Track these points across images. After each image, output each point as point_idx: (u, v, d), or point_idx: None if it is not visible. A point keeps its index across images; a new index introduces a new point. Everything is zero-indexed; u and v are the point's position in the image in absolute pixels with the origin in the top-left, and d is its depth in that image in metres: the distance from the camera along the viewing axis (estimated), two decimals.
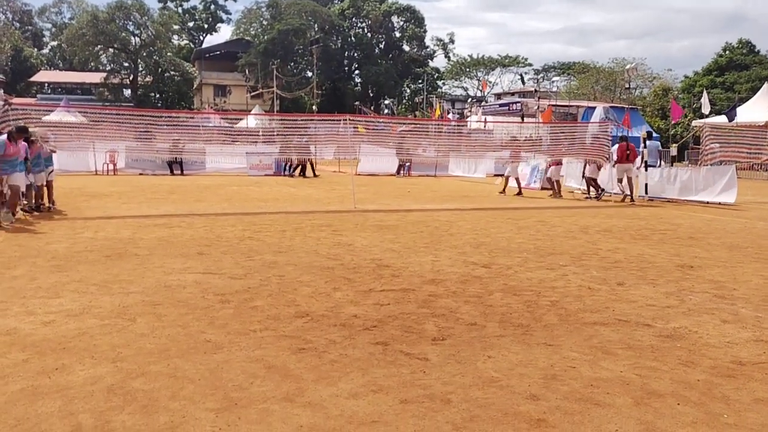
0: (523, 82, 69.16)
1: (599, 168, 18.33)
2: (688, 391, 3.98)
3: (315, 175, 26.49)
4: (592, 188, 18.46)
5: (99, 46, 73.20)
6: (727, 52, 59.43)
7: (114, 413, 3.52)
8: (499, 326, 5.31)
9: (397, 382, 4.03)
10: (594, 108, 38.38)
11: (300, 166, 26.81)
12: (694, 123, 36.01)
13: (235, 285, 6.63)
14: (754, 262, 8.47)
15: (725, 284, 7.07)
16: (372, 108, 71.07)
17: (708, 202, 16.44)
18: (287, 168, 27.42)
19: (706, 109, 28.57)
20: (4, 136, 10.96)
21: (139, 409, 3.58)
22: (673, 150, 29.95)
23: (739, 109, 30.54)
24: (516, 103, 48.44)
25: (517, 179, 19.23)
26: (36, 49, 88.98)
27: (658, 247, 9.59)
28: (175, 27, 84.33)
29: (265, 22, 74.62)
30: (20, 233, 10.03)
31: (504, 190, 19.20)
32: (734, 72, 56.31)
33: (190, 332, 4.99)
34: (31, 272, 7.08)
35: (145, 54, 73.28)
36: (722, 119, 29.45)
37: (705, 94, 30.68)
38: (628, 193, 17.51)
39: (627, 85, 52.12)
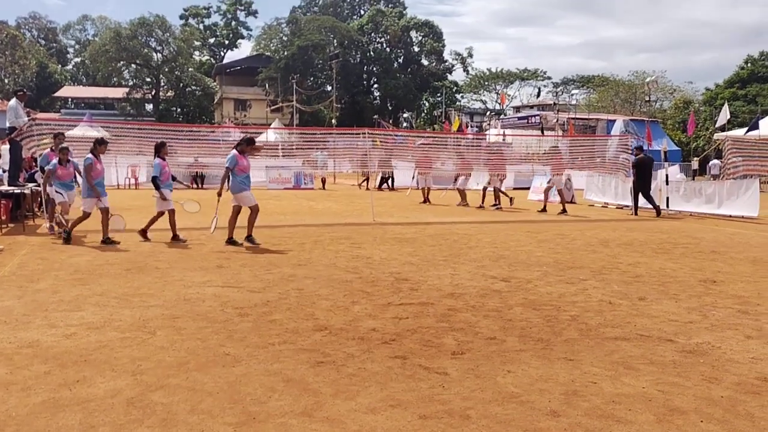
0: (538, 95, 68.81)
1: (501, 180, 19.23)
2: (712, 408, 3.91)
3: (391, 189, 26.67)
4: (499, 198, 19.10)
5: (122, 62, 74.45)
6: (749, 64, 58.76)
7: (133, 426, 3.53)
8: (519, 341, 5.27)
9: (416, 397, 4.01)
10: (614, 121, 38.19)
11: (385, 179, 27.36)
12: (716, 136, 35.65)
13: (254, 298, 6.65)
14: None
15: (749, 299, 6.96)
16: (391, 121, 71.23)
17: (731, 216, 16.24)
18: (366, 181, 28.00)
19: (721, 121, 28.35)
20: (55, 160, 11.12)
21: (159, 422, 3.59)
22: (695, 163, 29.71)
23: (761, 122, 30.25)
24: (535, 116, 48.33)
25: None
26: (60, 66, 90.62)
27: (680, 262, 9.47)
28: (197, 43, 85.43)
29: (285, 38, 75.32)
30: (44, 246, 10.16)
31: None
32: (756, 84, 55.63)
33: (209, 345, 5.01)
34: (54, 285, 7.17)
35: (166, 69, 74.31)
36: (740, 133, 29.19)
37: (725, 106, 30.40)
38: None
39: (647, 98, 51.74)
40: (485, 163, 19.80)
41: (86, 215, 10.62)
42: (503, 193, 19.45)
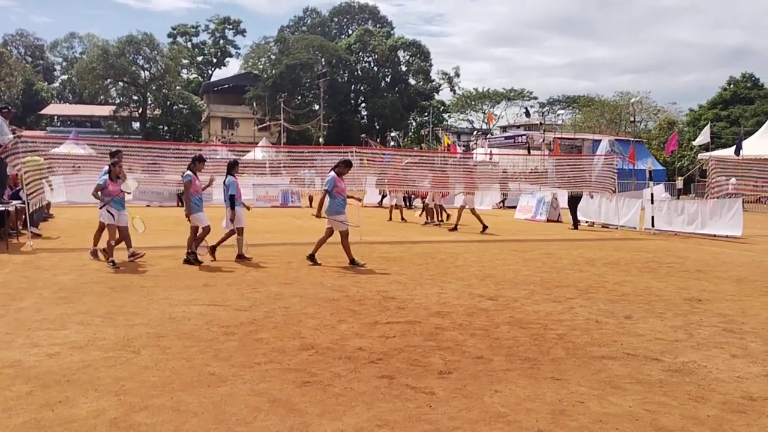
0: (528, 116, 69.37)
1: (443, 197, 19.69)
2: (699, 427, 3.92)
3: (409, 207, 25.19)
4: (436, 215, 19.58)
5: (109, 80, 74.22)
6: (732, 85, 59.68)
7: None
8: (506, 360, 5.26)
9: (403, 417, 3.98)
10: (600, 141, 38.55)
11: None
12: (700, 156, 36.10)
13: (240, 317, 6.60)
14: (763, 296, 8.40)
15: (734, 318, 7.01)
16: (378, 140, 71.45)
17: (715, 235, 16.38)
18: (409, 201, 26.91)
19: (699, 141, 28.80)
20: (106, 176, 10.39)
21: None
22: (680, 183, 30.03)
23: (744, 143, 30.72)
24: (521, 135, 48.70)
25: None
26: (47, 83, 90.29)
27: (665, 280, 9.53)
28: (185, 61, 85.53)
29: (273, 57, 75.57)
30: (28, 265, 10.05)
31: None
32: (739, 106, 56.47)
33: (194, 365, 4.96)
34: (38, 304, 7.08)
35: (154, 87, 74.24)
36: (729, 152, 29.65)
37: (708, 127, 30.85)
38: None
39: (632, 119, 52.39)
40: (429, 179, 19.38)
41: (207, 230, 10.65)
42: (442, 210, 19.81)
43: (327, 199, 10.47)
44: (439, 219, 19.75)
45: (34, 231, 13.82)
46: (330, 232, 10.58)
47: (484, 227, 17.16)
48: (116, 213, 10.32)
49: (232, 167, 11.22)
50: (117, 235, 10.33)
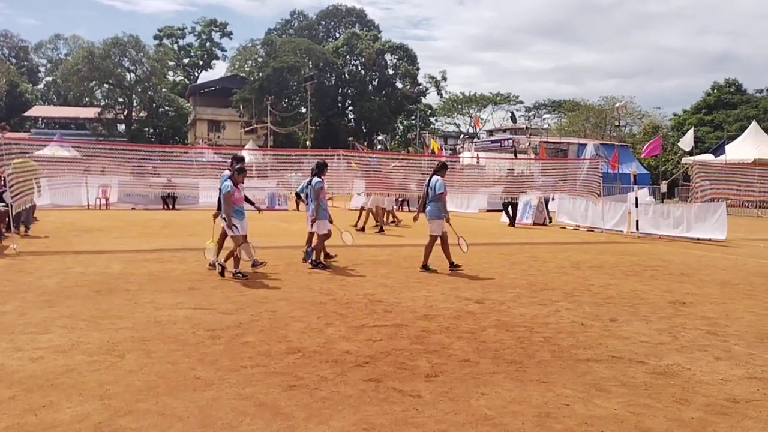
0: (514, 120, 69.55)
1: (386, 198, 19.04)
2: (682, 429, 3.95)
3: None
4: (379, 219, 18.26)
5: (94, 82, 73.65)
6: (715, 91, 60.33)
7: None
8: (492, 362, 5.28)
9: (390, 420, 3.99)
10: (585, 145, 38.86)
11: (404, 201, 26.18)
12: (684, 160, 36.44)
13: (226, 320, 6.58)
14: (746, 299, 8.49)
15: (717, 321, 7.08)
16: (365, 143, 71.46)
17: (699, 239, 16.53)
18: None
19: (687, 146, 29.17)
20: (229, 181, 9.51)
21: None
22: (663, 187, 30.29)
23: (727, 147, 31.08)
24: (508, 139, 48.91)
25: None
26: (31, 85, 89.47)
27: (650, 284, 9.60)
28: (171, 63, 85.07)
29: (260, 59, 75.31)
30: (11, 268, 9.95)
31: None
32: (722, 111, 57.07)
33: (180, 369, 4.94)
34: (21, 308, 7.01)
35: (139, 89, 73.75)
36: (710, 157, 30.04)
37: (691, 131, 31.19)
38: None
39: (617, 123, 52.80)
40: (367, 181, 18.61)
41: (328, 235, 10.75)
42: (390, 212, 19.46)
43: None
44: (391, 221, 19.39)
45: (28, 234, 13.75)
46: (435, 238, 10.49)
47: (381, 229, 17.46)
48: (239, 223, 9.61)
49: (322, 169, 11.00)
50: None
